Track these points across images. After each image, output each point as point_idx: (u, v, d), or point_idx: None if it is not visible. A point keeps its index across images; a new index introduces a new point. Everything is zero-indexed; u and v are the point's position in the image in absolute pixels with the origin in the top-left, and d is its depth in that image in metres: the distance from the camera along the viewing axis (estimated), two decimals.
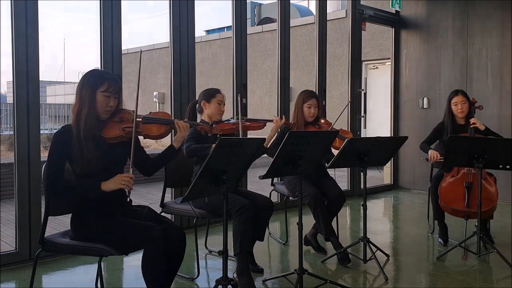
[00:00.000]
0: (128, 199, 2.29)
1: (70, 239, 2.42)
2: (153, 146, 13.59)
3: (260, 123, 3.44)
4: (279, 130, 3.61)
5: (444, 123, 4.17)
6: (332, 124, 3.76)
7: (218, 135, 2.93)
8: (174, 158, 2.65)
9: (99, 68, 3.85)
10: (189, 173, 3.38)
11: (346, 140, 3.24)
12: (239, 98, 4.03)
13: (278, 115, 5.08)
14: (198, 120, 3.41)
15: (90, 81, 2.37)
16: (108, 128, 2.40)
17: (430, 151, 4.07)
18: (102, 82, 2.37)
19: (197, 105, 3.43)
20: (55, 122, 16.71)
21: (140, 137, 2.51)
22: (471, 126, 3.95)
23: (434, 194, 3.95)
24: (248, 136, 4.77)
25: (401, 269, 3.48)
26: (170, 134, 2.67)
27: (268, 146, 3.46)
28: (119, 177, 2.30)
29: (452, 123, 4.12)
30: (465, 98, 4.08)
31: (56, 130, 2.44)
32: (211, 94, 3.38)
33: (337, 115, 3.82)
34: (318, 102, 3.84)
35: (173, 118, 2.60)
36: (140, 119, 2.47)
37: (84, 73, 2.44)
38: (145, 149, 2.65)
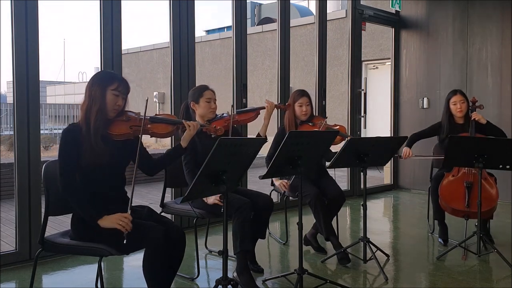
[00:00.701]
0: (124, 241, 2.23)
1: (70, 239, 2.42)
2: (153, 146, 13.59)
3: (252, 113, 3.37)
4: (280, 117, 3.46)
5: (442, 123, 4.18)
6: (325, 121, 3.72)
7: (212, 136, 2.89)
8: (180, 157, 2.67)
9: (100, 68, 3.86)
10: None
11: (347, 140, 3.24)
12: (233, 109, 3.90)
13: (277, 115, 5.08)
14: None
15: (100, 79, 2.43)
16: (115, 126, 2.44)
17: (404, 148, 4.08)
18: (112, 81, 2.42)
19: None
20: (55, 122, 16.72)
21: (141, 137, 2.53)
22: (472, 119, 3.95)
23: (434, 194, 3.95)
24: (247, 128, 4.78)
25: (401, 269, 3.47)
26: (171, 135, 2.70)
27: (265, 136, 3.33)
28: (117, 217, 2.26)
29: (450, 122, 4.13)
30: (463, 97, 4.09)
31: (63, 129, 2.45)
32: (199, 93, 3.25)
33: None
34: (310, 100, 3.82)
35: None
36: (148, 119, 2.52)
37: (93, 74, 2.49)
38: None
